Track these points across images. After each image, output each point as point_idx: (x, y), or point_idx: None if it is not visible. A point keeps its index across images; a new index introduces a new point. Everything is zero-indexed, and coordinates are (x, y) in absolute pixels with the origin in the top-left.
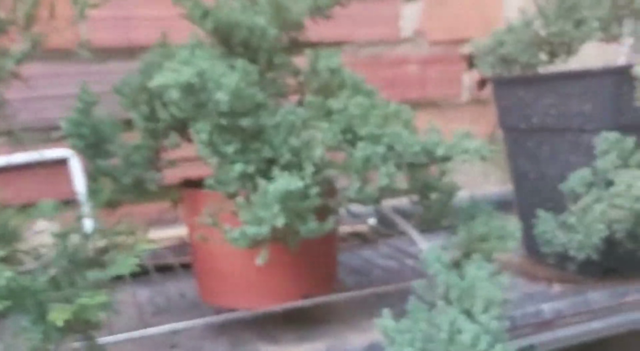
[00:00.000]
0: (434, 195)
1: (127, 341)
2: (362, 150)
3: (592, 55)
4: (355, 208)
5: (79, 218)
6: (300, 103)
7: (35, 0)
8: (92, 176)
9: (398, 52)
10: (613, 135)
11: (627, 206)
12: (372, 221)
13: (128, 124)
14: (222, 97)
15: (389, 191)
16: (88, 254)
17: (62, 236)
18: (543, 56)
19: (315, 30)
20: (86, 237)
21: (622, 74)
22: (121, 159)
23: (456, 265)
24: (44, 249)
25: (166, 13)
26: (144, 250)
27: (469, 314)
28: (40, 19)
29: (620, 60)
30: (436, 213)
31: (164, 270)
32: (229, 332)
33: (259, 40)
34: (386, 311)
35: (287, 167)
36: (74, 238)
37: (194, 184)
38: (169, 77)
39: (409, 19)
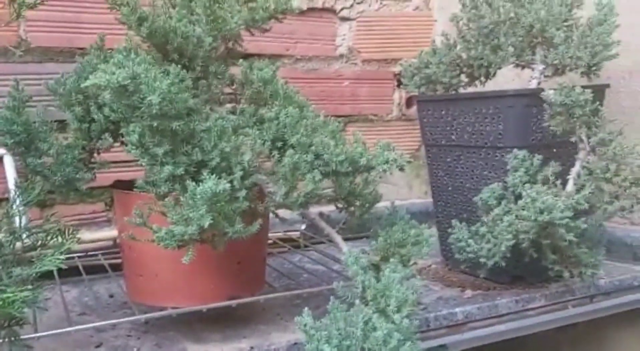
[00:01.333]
0: (357, 203)
1: (52, 338)
2: (290, 157)
3: (509, 78)
4: (286, 214)
5: (8, 216)
6: (234, 111)
7: None
8: (24, 174)
9: (334, 68)
10: (522, 153)
11: (532, 218)
12: (302, 227)
13: (62, 125)
14: (154, 99)
15: (315, 197)
16: (15, 251)
17: None
18: (464, 78)
19: (255, 43)
20: (14, 234)
21: (532, 96)
22: (53, 158)
23: (376, 268)
24: None
25: (110, 17)
26: (71, 248)
27: (383, 313)
28: None
29: (532, 84)
30: (359, 220)
31: (95, 270)
32: (155, 331)
33: (194, 48)
34: (306, 310)
35: (216, 171)
36: (2, 235)
37: (125, 186)
38: (103, 78)
39: (344, 37)
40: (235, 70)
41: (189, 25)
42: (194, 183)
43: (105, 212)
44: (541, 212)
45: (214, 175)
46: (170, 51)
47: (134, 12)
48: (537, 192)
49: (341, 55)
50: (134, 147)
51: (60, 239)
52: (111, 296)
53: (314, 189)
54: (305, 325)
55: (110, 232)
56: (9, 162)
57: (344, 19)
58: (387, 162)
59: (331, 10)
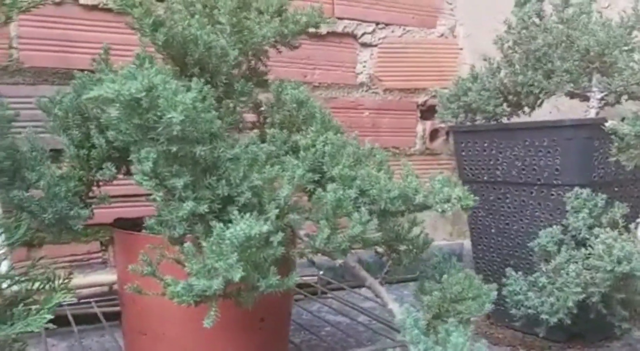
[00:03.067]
0: (402, 248)
1: None
2: (333, 192)
3: (546, 110)
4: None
5: None
6: (261, 138)
7: None
8: (8, 209)
9: (353, 97)
10: (586, 192)
11: (607, 268)
12: (320, 272)
13: (56, 154)
14: (175, 117)
15: (360, 241)
16: None
17: None
18: (506, 107)
19: (271, 68)
20: None
21: (594, 127)
22: (43, 191)
23: (428, 326)
24: None
25: (109, 37)
26: (60, 302)
27: None
28: None
29: (590, 114)
30: (405, 267)
31: (87, 320)
32: None
33: (217, 61)
34: None
35: (246, 209)
36: None
37: (128, 225)
38: (110, 89)
39: (365, 64)
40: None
41: (212, 35)
42: (220, 225)
43: (101, 253)
44: (619, 262)
45: (247, 215)
46: (190, 64)
47: (147, 14)
48: (612, 238)
49: (362, 84)
50: (146, 178)
51: (48, 288)
52: None
53: (361, 232)
54: None
55: (107, 276)
56: None
57: (365, 45)
58: (448, 200)
59: (352, 36)
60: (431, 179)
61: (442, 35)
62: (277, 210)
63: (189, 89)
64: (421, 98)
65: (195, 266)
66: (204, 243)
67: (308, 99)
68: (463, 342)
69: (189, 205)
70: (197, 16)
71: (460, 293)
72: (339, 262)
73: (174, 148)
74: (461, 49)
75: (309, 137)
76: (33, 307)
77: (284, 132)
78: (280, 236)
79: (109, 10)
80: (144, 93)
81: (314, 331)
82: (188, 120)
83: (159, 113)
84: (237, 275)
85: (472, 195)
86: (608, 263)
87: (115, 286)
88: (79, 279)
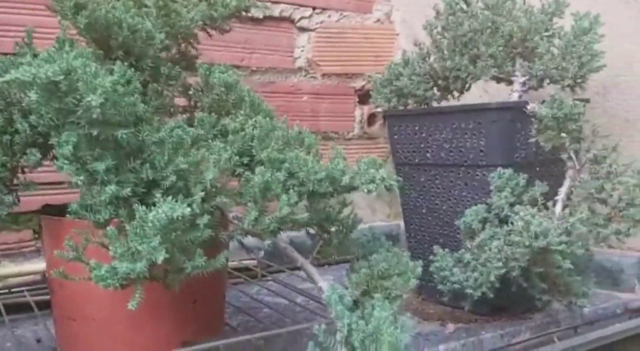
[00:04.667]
0: (333, 229)
1: None
2: (261, 175)
3: (476, 95)
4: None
5: None
6: (190, 122)
7: None
8: None
9: (292, 82)
10: (508, 172)
11: (525, 243)
12: (259, 255)
13: None
14: (94, 100)
15: (289, 222)
16: None
17: None
18: (436, 91)
19: (207, 53)
20: None
21: (517, 110)
22: None
23: (356, 304)
24: None
25: (37, 20)
26: None
27: None
28: None
29: (513, 97)
30: (335, 247)
31: (19, 309)
32: None
33: (142, 45)
34: None
35: (171, 192)
36: None
37: (56, 211)
38: (27, 72)
39: (303, 48)
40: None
41: (137, 17)
42: (143, 208)
43: (34, 241)
44: (536, 237)
45: (170, 198)
46: (114, 48)
47: None
48: (530, 215)
49: (300, 68)
50: (67, 162)
51: None
52: (38, 341)
53: (289, 213)
54: None
55: (40, 265)
56: None
57: (303, 30)
58: (373, 181)
59: (289, 20)
60: (358, 161)
61: (378, 20)
62: (203, 193)
63: (111, 73)
64: (359, 83)
65: (119, 250)
66: (127, 227)
67: (237, 83)
68: (386, 316)
69: (111, 188)
70: None
71: (387, 270)
72: (267, 243)
73: (95, 132)
74: (397, 34)
75: (238, 120)
76: None
77: (213, 116)
78: (206, 218)
79: None
80: (62, 77)
81: (252, 313)
82: (108, 103)
83: (78, 97)
84: (159, 257)
85: (394, 176)
86: (526, 239)
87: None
88: (10, 268)
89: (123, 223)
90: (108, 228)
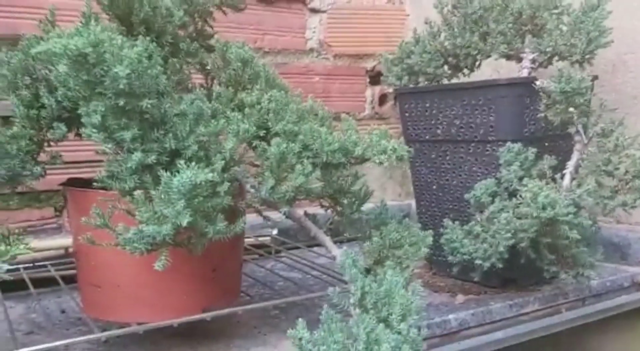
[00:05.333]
0: (346, 201)
1: None
2: (277, 146)
3: (487, 73)
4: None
5: None
6: (209, 96)
7: None
8: None
9: (304, 62)
10: (517, 146)
11: (533, 215)
12: (274, 232)
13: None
14: (120, 71)
15: (304, 192)
16: None
17: None
18: (447, 69)
19: (220, 34)
20: None
21: (526, 85)
22: None
23: (368, 272)
24: None
25: (55, 1)
26: (17, 256)
27: (386, 323)
28: None
29: (523, 73)
30: (347, 218)
31: (43, 283)
32: (117, 349)
33: (163, 21)
34: (300, 322)
35: (193, 161)
36: None
37: (80, 184)
38: (58, 44)
39: (315, 29)
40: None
41: None
42: (168, 174)
43: (55, 219)
44: (544, 208)
45: (193, 165)
46: (136, 24)
47: None
48: (538, 187)
49: (311, 49)
50: (95, 131)
51: (4, 246)
52: (63, 311)
53: (303, 183)
54: (300, 339)
55: (62, 240)
56: None
57: (314, 11)
58: (384, 151)
59: (301, 1)
60: (369, 133)
61: (389, 1)
62: (223, 162)
63: (135, 46)
64: (370, 64)
65: (145, 214)
66: (153, 193)
67: (252, 58)
68: (398, 280)
69: (137, 156)
70: None
71: (399, 240)
72: (284, 210)
73: (121, 102)
74: (408, 15)
75: (254, 94)
76: None
77: (230, 90)
78: (226, 186)
79: None
80: (90, 49)
81: (269, 285)
82: (134, 75)
83: (105, 68)
84: (184, 220)
85: (405, 147)
86: (534, 210)
87: (71, 249)
88: (34, 243)
89: (148, 191)
90: (135, 193)
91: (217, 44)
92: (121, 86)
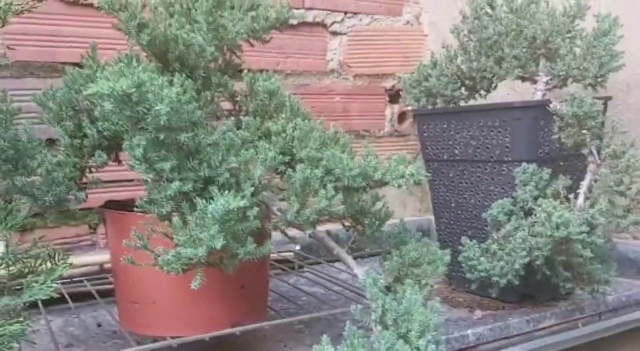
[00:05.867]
0: (366, 221)
1: None
2: (301, 172)
3: (503, 93)
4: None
5: None
6: (237, 125)
7: None
8: (7, 195)
9: (325, 83)
10: (532, 167)
11: (547, 233)
12: (296, 248)
13: (50, 143)
14: (162, 109)
15: (327, 215)
16: (0, 279)
17: None
18: (464, 91)
19: (244, 59)
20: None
21: (540, 108)
22: (42, 177)
23: (388, 290)
24: None
25: (95, 32)
26: (63, 274)
27: (405, 339)
28: None
29: (537, 96)
30: (368, 238)
31: (80, 298)
32: None
33: (196, 57)
34: (325, 338)
35: (225, 187)
36: None
37: (117, 206)
38: (105, 85)
39: (335, 51)
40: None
41: (190, 33)
42: (203, 201)
43: (90, 235)
44: (557, 228)
45: (225, 192)
46: (171, 61)
47: (133, 17)
48: (553, 207)
49: (332, 70)
50: (138, 162)
51: (50, 265)
52: (99, 325)
53: (326, 206)
54: None
55: (96, 257)
56: None
57: (335, 34)
58: (403, 176)
59: (322, 25)
60: (388, 159)
61: (407, 22)
62: (252, 188)
63: (171, 83)
64: (389, 83)
65: (182, 238)
66: (189, 218)
67: (278, 89)
68: (417, 297)
69: (175, 185)
70: (176, 16)
71: (418, 258)
72: (308, 232)
73: (162, 136)
74: (426, 35)
75: (280, 123)
76: (38, 280)
77: (257, 120)
78: (255, 211)
79: (90, 5)
80: (134, 89)
81: (292, 300)
82: (173, 112)
83: (147, 106)
84: (218, 243)
85: (423, 172)
86: (548, 229)
87: (106, 265)
88: (69, 260)
89: (184, 215)
90: (174, 218)
91: (246, 77)
92: (162, 122)
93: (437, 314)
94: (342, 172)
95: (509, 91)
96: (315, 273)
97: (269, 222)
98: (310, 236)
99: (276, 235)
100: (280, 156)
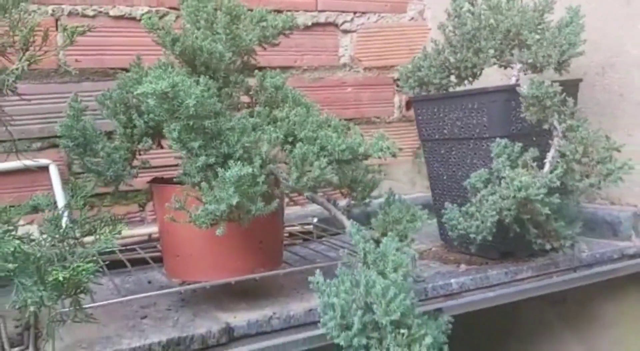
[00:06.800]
0: (359, 188)
1: (104, 311)
2: (300, 148)
3: (497, 78)
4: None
5: (67, 207)
6: (251, 114)
7: (32, 27)
8: (67, 181)
9: (337, 76)
10: (504, 141)
11: (511, 195)
12: (314, 220)
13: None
14: (190, 102)
15: (322, 181)
16: (75, 235)
17: (52, 220)
18: (453, 79)
19: (266, 57)
20: (74, 221)
21: (511, 91)
22: (103, 158)
23: (376, 242)
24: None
25: (136, 41)
26: (121, 231)
27: (382, 274)
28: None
29: (512, 81)
30: (360, 200)
31: (133, 263)
32: (190, 306)
33: (217, 62)
34: (318, 272)
35: (240, 161)
36: (63, 223)
37: (160, 182)
38: (149, 87)
39: (346, 48)
40: (250, 81)
41: (212, 43)
42: (223, 170)
43: (139, 213)
44: (519, 190)
45: (239, 163)
46: (198, 65)
47: (168, 34)
48: (516, 173)
49: (344, 65)
50: (174, 142)
51: (111, 227)
52: (149, 282)
53: (320, 174)
54: (317, 283)
55: (145, 229)
56: (54, 171)
57: (346, 32)
58: (381, 149)
59: (333, 24)
60: (373, 137)
61: (412, 18)
62: (260, 161)
63: (198, 83)
64: (396, 74)
65: (208, 198)
66: (213, 183)
67: (283, 84)
68: (391, 244)
69: (202, 159)
70: (201, 30)
71: (400, 217)
72: (308, 194)
73: (191, 123)
74: (430, 29)
75: (284, 111)
76: (103, 234)
77: (267, 109)
78: (263, 177)
79: (133, 19)
80: (170, 89)
81: (310, 259)
82: (198, 104)
83: (180, 101)
84: (234, 201)
85: (397, 146)
86: (512, 192)
87: (154, 235)
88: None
89: (210, 182)
90: (203, 184)
91: (257, 75)
92: (190, 112)
93: (407, 255)
94: (333, 147)
95: (501, 77)
96: (331, 242)
97: (277, 187)
98: (309, 199)
99: (299, 210)
100: (283, 137)
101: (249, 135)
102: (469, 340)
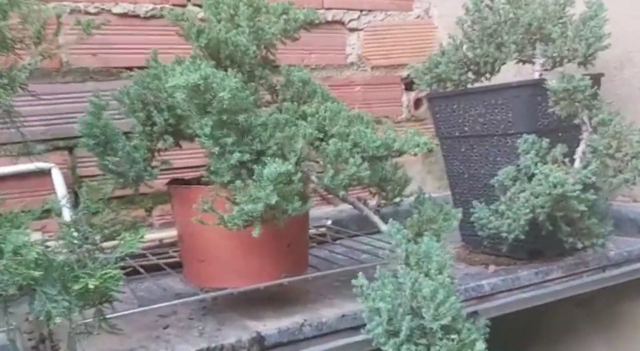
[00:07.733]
0: (389, 187)
1: (125, 321)
2: (334, 145)
3: (512, 74)
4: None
5: (82, 211)
6: (279, 109)
7: (44, 21)
8: (72, 186)
9: (345, 75)
10: (532, 137)
11: (546, 192)
12: (328, 222)
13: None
14: (225, 95)
15: (357, 179)
16: (95, 241)
17: (70, 226)
18: (471, 75)
19: (276, 55)
20: (93, 227)
21: (536, 86)
22: (123, 158)
23: (412, 242)
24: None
25: (137, 39)
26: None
27: (427, 275)
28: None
29: (535, 76)
30: (391, 199)
31: (146, 270)
32: (214, 313)
33: (242, 55)
34: (361, 274)
35: (273, 157)
36: (81, 229)
37: (181, 182)
38: (181, 79)
39: (354, 46)
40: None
41: (237, 36)
42: (259, 167)
43: (147, 218)
44: (554, 186)
45: (276, 160)
46: (223, 58)
47: (193, 26)
48: (549, 169)
49: (352, 63)
50: (207, 138)
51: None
52: (164, 289)
53: (356, 172)
54: (362, 286)
55: (154, 235)
56: (57, 175)
57: (352, 30)
58: (418, 145)
59: (340, 22)
60: (405, 132)
61: (418, 16)
62: (296, 158)
63: (230, 77)
64: (404, 73)
65: (243, 197)
66: (248, 182)
67: (310, 79)
68: (434, 243)
69: (236, 155)
70: (222, 22)
71: (434, 216)
72: (342, 194)
73: (224, 117)
74: (436, 27)
75: (313, 106)
76: (126, 239)
77: (294, 104)
78: (299, 175)
79: (137, 16)
80: (202, 81)
81: (332, 261)
82: (233, 97)
83: (212, 94)
84: (273, 200)
85: (435, 141)
86: (547, 188)
87: (165, 241)
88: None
89: (244, 180)
90: (237, 182)
91: (283, 69)
92: (224, 105)
93: (449, 255)
94: (367, 143)
95: (515, 74)
96: (345, 244)
97: (308, 186)
98: (342, 198)
99: (312, 213)
100: (316, 132)
101: (283, 131)
102: (494, 341)
